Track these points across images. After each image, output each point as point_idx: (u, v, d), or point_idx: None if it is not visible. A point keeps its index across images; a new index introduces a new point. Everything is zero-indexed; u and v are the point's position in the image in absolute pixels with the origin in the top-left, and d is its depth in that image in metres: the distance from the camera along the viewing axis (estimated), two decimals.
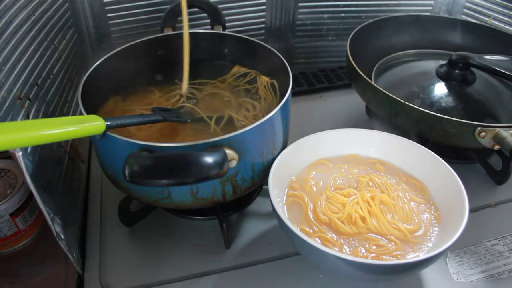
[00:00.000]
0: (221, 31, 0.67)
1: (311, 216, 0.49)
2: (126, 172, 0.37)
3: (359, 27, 0.74)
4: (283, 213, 0.45)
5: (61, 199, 0.52)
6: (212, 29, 0.69)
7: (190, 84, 0.64)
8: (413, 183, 0.53)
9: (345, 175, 0.54)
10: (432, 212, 0.49)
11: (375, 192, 0.49)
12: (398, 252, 0.44)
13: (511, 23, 0.80)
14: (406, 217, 0.48)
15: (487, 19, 0.85)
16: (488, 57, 0.62)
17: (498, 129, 0.53)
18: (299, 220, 0.49)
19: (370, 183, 0.52)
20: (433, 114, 0.54)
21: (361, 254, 0.44)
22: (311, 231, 0.47)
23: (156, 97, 0.61)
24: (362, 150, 0.57)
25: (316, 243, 0.40)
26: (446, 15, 0.93)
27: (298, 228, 0.43)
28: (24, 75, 0.50)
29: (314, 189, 0.52)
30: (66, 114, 0.63)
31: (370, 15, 0.81)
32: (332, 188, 0.52)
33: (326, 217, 0.48)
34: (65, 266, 0.54)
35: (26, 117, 0.48)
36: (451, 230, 0.43)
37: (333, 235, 0.46)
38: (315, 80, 0.89)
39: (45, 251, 0.56)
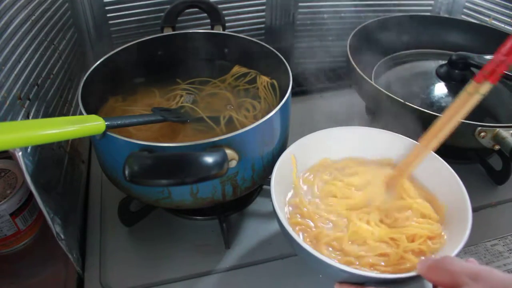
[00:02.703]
0: (221, 31, 0.67)
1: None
2: (126, 172, 0.37)
3: (359, 27, 0.74)
4: (284, 218, 0.44)
5: (61, 199, 0.52)
6: (212, 29, 0.69)
7: (190, 83, 0.64)
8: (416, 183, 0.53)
9: (346, 179, 0.53)
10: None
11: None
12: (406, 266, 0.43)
13: (511, 23, 0.80)
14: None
15: (487, 19, 0.85)
16: (488, 57, 0.62)
17: (498, 129, 0.53)
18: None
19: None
20: (433, 114, 0.54)
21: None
22: (304, 226, 0.47)
23: (156, 97, 0.61)
24: (363, 150, 0.56)
25: (320, 254, 0.39)
26: (446, 15, 0.93)
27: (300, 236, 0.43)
28: (24, 75, 0.50)
29: (314, 194, 0.51)
30: (66, 114, 0.63)
31: (370, 15, 0.81)
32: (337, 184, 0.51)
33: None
34: (65, 266, 0.54)
35: (26, 117, 0.48)
36: (454, 238, 0.43)
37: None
38: (315, 80, 0.89)
39: (45, 251, 0.56)
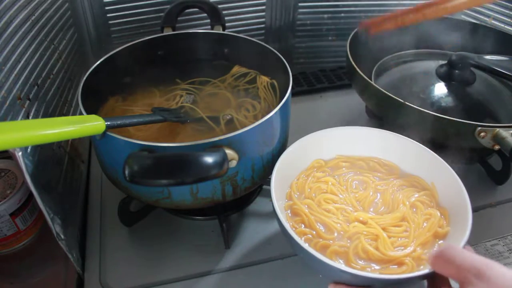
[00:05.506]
0: (221, 31, 0.67)
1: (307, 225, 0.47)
2: (126, 172, 0.37)
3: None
4: (284, 219, 0.44)
5: (61, 199, 0.52)
6: (212, 29, 0.68)
7: (190, 83, 0.64)
8: (418, 182, 0.52)
9: (346, 178, 0.53)
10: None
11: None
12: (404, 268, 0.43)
13: (511, 23, 0.80)
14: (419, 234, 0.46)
15: (487, 19, 0.85)
16: (488, 57, 0.62)
17: (498, 129, 0.53)
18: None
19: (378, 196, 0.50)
20: (433, 114, 0.54)
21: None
22: (311, 236, 0.46)
23: (156, 97, 0.61)
24: (363, 150, 0.56)
25: (322, 256, 0.39)
26: (446, 15, 0.93)
27: (303, 239, 0.43)
28: (24, 75, 0.50)
29: (313, 194, 0.50)
30: (66, 114, 0.63)
31: (370, 15, 0.81)
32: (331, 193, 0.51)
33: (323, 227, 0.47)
34: (65, 266, 0.54)
35: (26, 117, 0.48)
36: (454, 238, 0.43)
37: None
38: (315, 80, 0.89)
39: (45, 251, 0.57)
